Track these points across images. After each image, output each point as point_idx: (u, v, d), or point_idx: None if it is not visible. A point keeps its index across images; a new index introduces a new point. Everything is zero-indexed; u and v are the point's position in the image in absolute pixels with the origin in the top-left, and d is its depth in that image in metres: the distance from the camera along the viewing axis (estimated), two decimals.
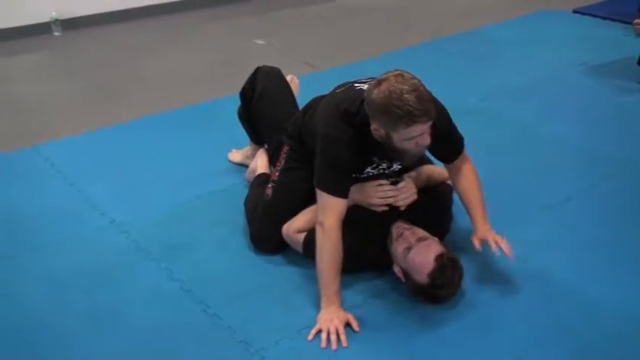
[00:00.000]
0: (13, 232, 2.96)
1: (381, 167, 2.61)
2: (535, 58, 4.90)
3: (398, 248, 2.46)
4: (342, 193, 2.44)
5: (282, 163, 2.82)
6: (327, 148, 2.44)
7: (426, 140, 2.30)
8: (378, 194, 2.60)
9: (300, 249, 2.65)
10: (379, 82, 2.23)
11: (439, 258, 2.34)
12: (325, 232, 2.40)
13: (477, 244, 2.51)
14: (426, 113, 2.20)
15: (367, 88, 2.31)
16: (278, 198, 2.77)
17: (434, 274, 2.32)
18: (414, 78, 2.23)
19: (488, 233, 2.53)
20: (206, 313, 2.46)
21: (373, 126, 2.30)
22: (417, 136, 2.26)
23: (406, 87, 2.17)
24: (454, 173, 2.64)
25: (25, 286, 2.63)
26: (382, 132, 2.29)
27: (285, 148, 2.84)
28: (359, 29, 5.76)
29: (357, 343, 2.31)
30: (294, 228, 2.66)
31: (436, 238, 2.48)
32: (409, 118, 2.18)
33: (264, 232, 2.76)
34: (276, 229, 2.72)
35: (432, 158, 2.80)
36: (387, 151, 2.42)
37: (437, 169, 2.74)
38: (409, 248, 2.41)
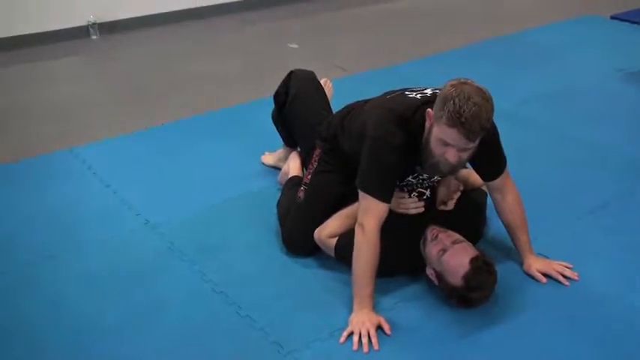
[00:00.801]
0: (52, 233, 2.99)
1: (421, 177, 2.61)
2: (573, 63, 4.86)
3: (432, 250, 2.45)
4: (387, 197, 2.42)
5: (315, 166, 2.82)
6: (377, 150, 2.42)
7: (452, 157, 2.28)
8: (399, 208, 2.61)
9: (332, 253, 2.65)
10: (464, 82, 2.23)
11: (474, 260, 2.33)
12: (365, 235, 2.40)
13: (541, 278, 2.58)
14: (468, 129, 2.18)
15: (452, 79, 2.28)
16: (310, 201, 2.77)
17: (468, 277, 2.31)
18: (489, 102, 2.21)
19: (549, 266, 2.61)
20: (239, 315, 2.47)
21: (430, 110, 2.29)
22: (448, 143, 2.25)
23: (476, 100, 2.16)
24: (495, 194, 2.63)
25: (65, 286, 2.66)
26: (431, 120, 2.28)
27: (318, 151, 2.84)
28: (394, 34, 5.75)
29: (389, 346, 2.30)
30: (326, 233, 2.66)
31: (470, 243, 2.47)
32: (454, 118, 2.16)
33: (297, 234, 2.76)
34: (308, 232, 2.72)
35: None
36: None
37: (474, 174, 2.72)
38: (444, 250, 2.40)
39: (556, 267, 2.61)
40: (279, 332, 2.37)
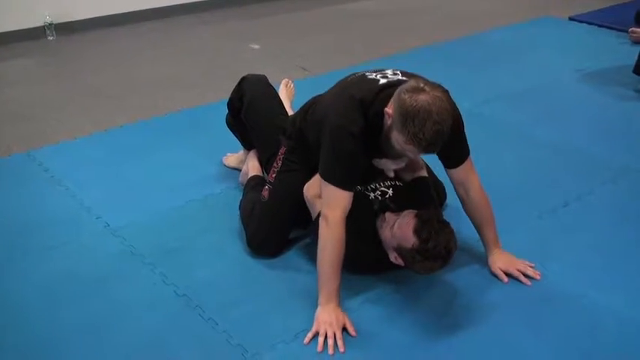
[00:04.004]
0: (7, 238, 2.93)
1: (385, 183, 2.61)
2: (532, 64, 4.92)
3: (385, 231, 2.46)
4: (349, 186, 2.38)
5: (279, 164, 2.79)
6: (337, 138, 2.36)
7: (415, 156, 2.30)
8: (380, 165, 2.58)
9: (313, 216, 2.61)
10: (421, 90, 2.15)
11: (419, 215, 2.36)
12: (329, 227, 2.37)
13: (503, 277, 2.59)
14: (428, 149, 2.19)
15: (407, 84, 2.20)
16: (275, 200, 2.74)
17: (418, 229, 2.32)
18: (447, 110, 2.16)
19: (511, 265, 2.62)
20: (202, 318, 2.44)
21: (388, 109, 2.24)
22: (409, 150, 2.25)
23: (435, 117, 2.11)
24: (459, 189, 2.61)
25: (20, 292, 2.60)
26: (390, 121, 2.24)
27: (282, 150, 2.81)
28: (356, 34, 5.76)
29: (353, 347, 2.29)
30: (312, 193, 2.61)
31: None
32: (415, 140, 2.14)
33: (261, 234, 2.74)
34: (273, 232, 2.71)
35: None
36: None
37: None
38: (394, 225, 2.41)
39: (519, 266, 2.62)
40: (242, 335, 2.35)
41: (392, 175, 2.61)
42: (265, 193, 2.78)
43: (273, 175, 2.79)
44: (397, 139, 2.22)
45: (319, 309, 2.37)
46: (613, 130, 3.88)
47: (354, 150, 2.35)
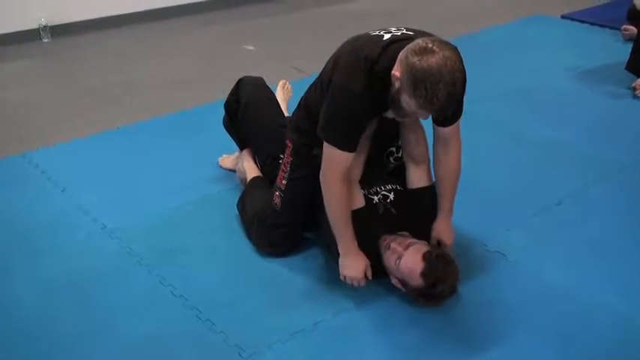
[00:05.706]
0: (6, 240, 2.94)
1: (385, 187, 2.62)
2: (526, 62, 4.93)
3: (390, 261, 2.46)
4: (351, 146, 2.34)
5: (288, 169, 2.71)
6: (339, 97, 2.31)
7: (425, 117, 2.25)
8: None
9: None
10: (431, 52, 2.05)
11: (427, 255, 2.35)
12: (329, 189, 2.40)
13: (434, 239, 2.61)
14: (440, 113, 2.16)
15: (414, 45, 2.10)
16: (287, 209, 2.72)
17: (425, 273, 2.32)
18: (459, 70, 2.07)
19: (448, 235, 2.63)
20: (199, 319, 2.45)
21: (395, 72, 2.14)
22: (421, 114, 2.21)
23: (447, 79, 2.03)
24: (439, 146, 2.54)
25: (17, 293, 2.61)
26: (398, 84, 2.15)
27: (288, 151, 2.71)
28: (349, 35, 5.71)
29: (351, 346, 2.32)
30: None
31: (424, 241, 2.48)
32: (427, 103, 2.08)
33: (274, 240, 2.76)
34: (286, 237, 2.75)
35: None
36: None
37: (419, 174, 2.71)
38: (399, 258, 2.41)
39: (449, 238, 2.64)
40: (239, 335, 2.36)
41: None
42: (277, 200, 2.74)
43: (284, 182, 2.72)
44: (408, 103, 2.15)
45: (341, 259, 2.49)
46: (606, 127, 3.90)
47: (355, 110, 2.30)
